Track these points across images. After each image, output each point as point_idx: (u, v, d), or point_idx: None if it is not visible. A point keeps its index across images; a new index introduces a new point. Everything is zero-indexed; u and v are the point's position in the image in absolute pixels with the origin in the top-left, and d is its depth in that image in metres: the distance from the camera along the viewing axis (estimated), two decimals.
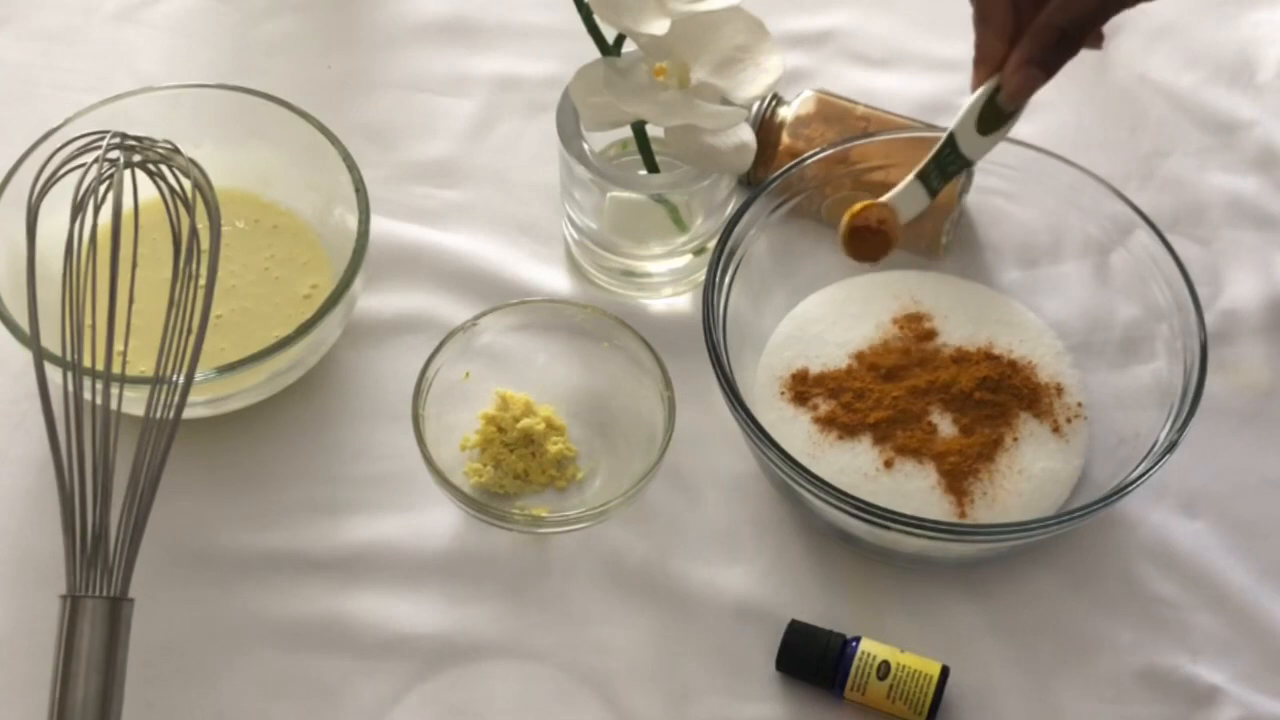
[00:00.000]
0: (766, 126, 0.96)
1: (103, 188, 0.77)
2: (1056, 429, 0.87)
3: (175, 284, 0.77)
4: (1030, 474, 0.86)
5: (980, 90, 0.79)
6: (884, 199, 0.81)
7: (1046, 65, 0.76)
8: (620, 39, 0.86)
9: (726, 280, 0.87)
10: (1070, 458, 0.87)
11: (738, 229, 0.88)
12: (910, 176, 0.80)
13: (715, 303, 0.85)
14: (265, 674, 0.82)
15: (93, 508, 0.74)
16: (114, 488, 0.75)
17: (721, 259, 0.86)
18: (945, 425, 0.87)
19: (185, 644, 0.83)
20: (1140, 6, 0.77)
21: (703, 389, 0.87)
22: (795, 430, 0.87)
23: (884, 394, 0.87)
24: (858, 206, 0.80)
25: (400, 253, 0.96)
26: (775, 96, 0.98)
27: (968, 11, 1.08)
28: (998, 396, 0.87)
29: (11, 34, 1.07)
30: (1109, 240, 0.90)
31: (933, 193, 0.81)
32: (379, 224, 0.91)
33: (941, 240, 0.94)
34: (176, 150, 0.80)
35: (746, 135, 0.85)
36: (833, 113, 0.97)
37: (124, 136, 0.78)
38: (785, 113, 0.97)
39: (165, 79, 0.98)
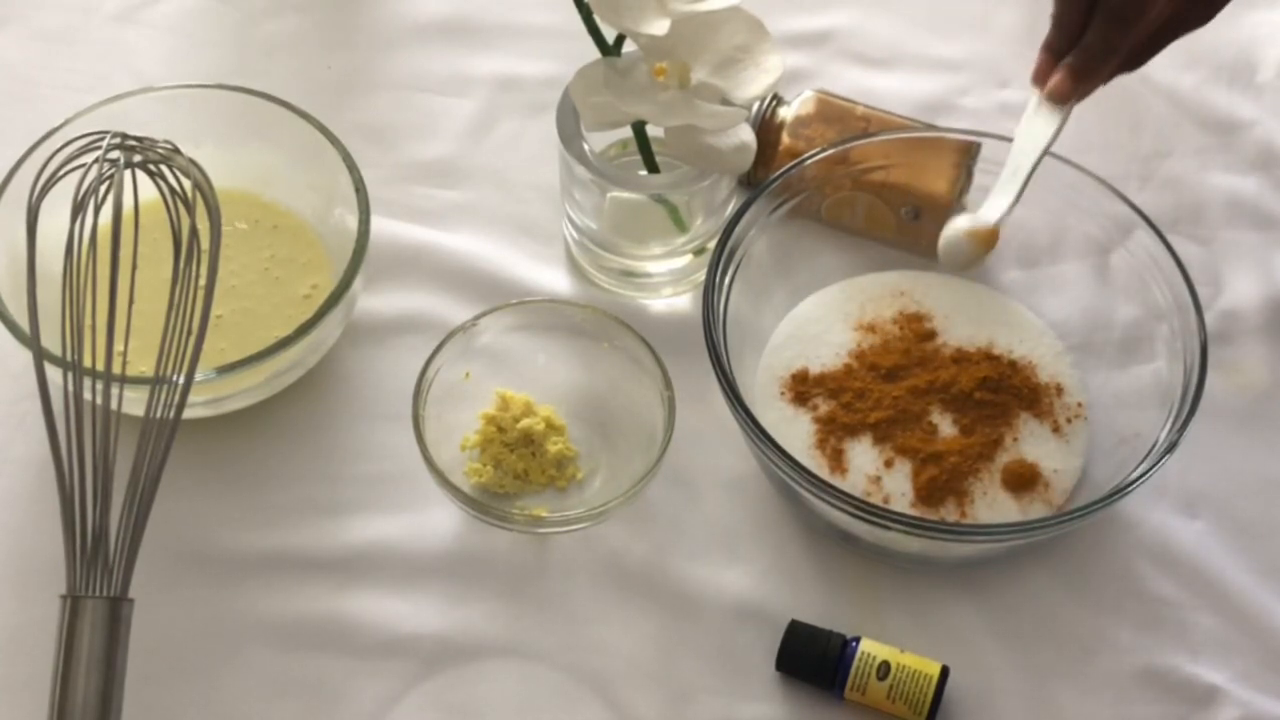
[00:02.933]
0: (766, 126, 0.96)
1: (103, 188, 0.77)
2: (1056, 429, 0.87)
3: (175, 284, 0.77)
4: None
5: None
6: None
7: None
8: (620, 39, 0.86)
9: (726, 280, 0.87)
10: (1070, 458, 0.87)
11: (738, 229, 0.88)
12: None
13: (715, 303, 0.85)
14: (265, 674, 0.82)
15: (93, 508, 0.74)
16: (114, 488, 0.75)
17: (721, 259, 0.86)
18: (945, 425, 0.87)
19: (185, 644, 0.83)
20: None
21: (703, 389, 0.87)
22: (795, 430, 0.87)
23: (884, 394, 0.87)
24: None
25: (400, 253, 0.96)
26: (775, 96, 0.98)
27: (968, 12, 1.09)
28: (998, 396, 0.87)
29: (11, 34, 1.07)
30: (1109, 240, 0.90)
31: None
32: (379, 224, 0.91)
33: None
34: (177, 150, 0.80)
35: (746, 135, 0.85)
36: (833, 113, 0.97)
37: (124, 136, 0.78)
38: (785, 113, 0.97)
39: (165, 79, 0.97)
